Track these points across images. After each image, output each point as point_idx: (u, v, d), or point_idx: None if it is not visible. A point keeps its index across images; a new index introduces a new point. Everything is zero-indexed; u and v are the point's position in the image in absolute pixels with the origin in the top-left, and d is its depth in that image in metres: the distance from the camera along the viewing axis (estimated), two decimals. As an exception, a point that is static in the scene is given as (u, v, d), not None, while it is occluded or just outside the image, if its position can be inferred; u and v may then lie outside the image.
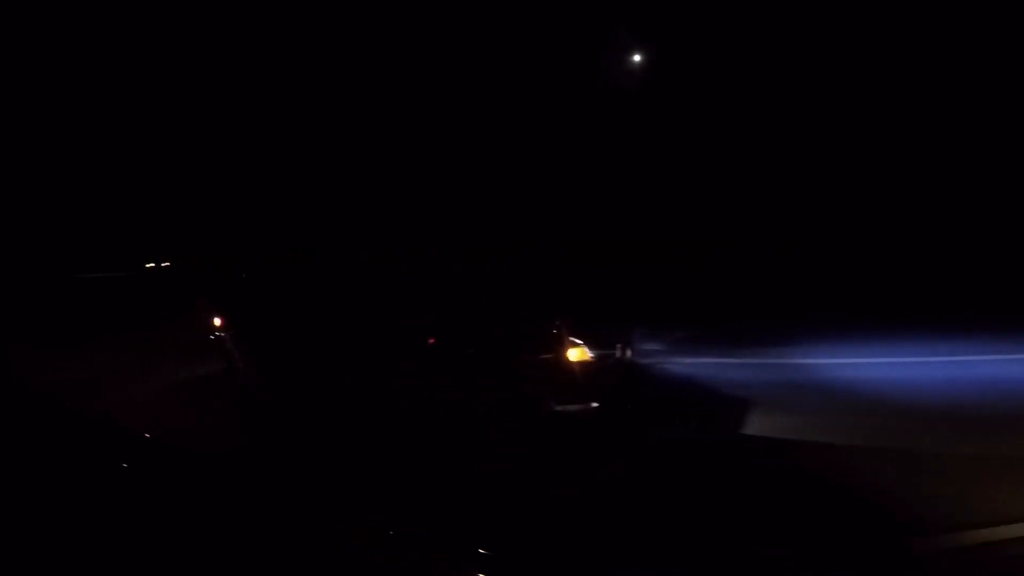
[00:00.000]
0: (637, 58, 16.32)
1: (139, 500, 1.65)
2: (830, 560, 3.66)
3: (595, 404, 6.27)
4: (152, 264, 16.30)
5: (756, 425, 6.29)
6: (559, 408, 6.24)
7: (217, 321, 7.64)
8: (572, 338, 6.45)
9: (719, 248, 14.73)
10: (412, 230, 14.53)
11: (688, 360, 8.62)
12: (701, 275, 13.62)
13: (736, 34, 15.89)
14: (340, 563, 1.61)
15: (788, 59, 15.51)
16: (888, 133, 15.81)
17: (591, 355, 6.46)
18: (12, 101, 15.23)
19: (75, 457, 1.70)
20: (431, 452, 5.42)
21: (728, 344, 9.43)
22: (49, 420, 1.80)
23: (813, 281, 13.33)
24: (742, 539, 2.24)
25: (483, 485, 4.69)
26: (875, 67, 15.24)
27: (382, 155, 16.90)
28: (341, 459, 5.12)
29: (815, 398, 7.25)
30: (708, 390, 7.61)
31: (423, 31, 16.09)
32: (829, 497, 4.59)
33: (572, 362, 6.37)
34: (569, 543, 2.47)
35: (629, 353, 6.98)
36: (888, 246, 14.36)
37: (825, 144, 15.86)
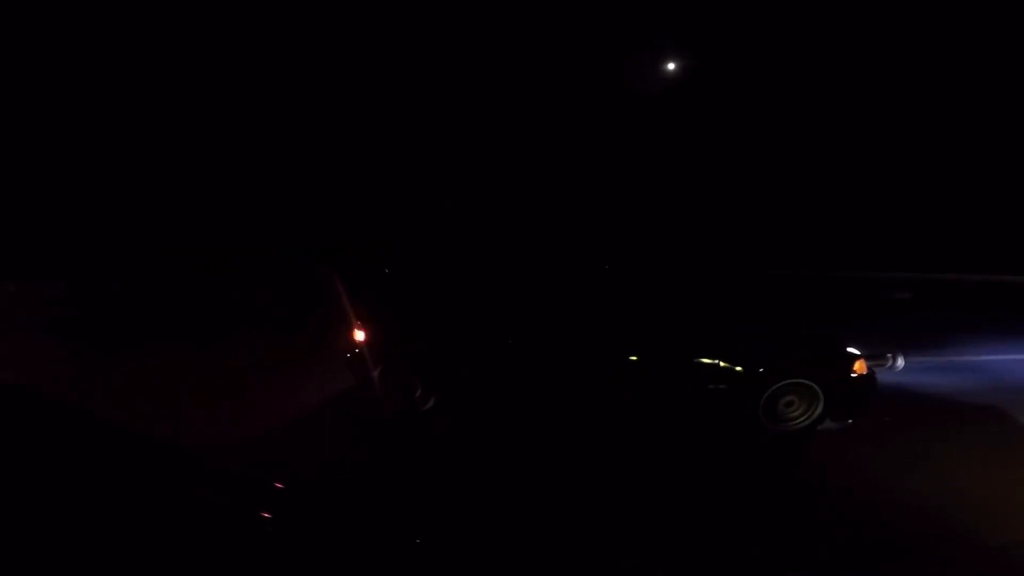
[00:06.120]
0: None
1: (141, 500, 1.72)
2: (830, 560, 3.53)
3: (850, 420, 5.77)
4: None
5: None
6: (822, 427, 5.66)
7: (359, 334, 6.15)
8: (851, 348, 5.87)
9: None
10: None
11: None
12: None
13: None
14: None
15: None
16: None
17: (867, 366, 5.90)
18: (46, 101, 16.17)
19: (78, 457, 1.78)
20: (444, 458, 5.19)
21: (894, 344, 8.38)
22: (53, 421, 1.89)
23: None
24: (742, 539, 2.33)
25: (483, 487, 4.63)
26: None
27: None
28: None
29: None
30: (938, 398, 6.79)
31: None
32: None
33: (854, 376, 5.72)
34: (567, 541, 2.71)
35: (901, 363, 6.52)
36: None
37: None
